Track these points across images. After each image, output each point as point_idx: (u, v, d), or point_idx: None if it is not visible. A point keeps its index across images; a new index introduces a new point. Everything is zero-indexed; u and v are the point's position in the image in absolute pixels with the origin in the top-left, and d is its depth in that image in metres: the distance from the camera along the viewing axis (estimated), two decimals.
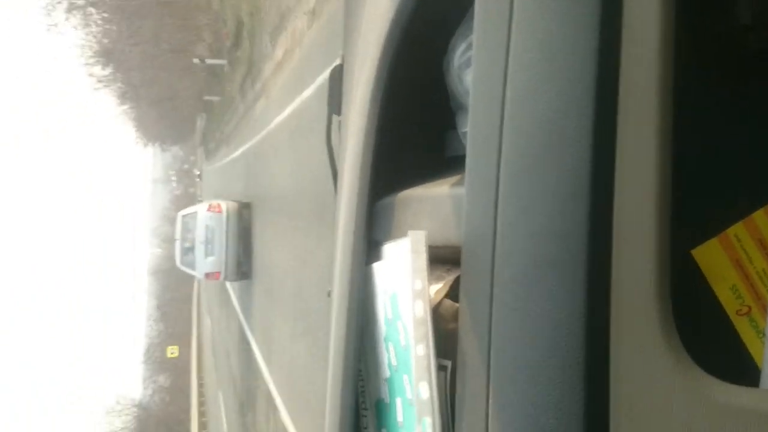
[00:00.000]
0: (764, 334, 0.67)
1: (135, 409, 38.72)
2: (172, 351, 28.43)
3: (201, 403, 26.65)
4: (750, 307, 0.68)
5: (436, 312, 0.82)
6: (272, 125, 11.72)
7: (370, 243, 1.02)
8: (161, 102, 32.49)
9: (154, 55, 26.95)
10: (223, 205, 13.22)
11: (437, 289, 0.83)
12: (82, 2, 25.88)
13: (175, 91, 30.58)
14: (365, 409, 1.01)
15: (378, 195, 1.02)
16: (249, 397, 13.31)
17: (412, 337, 0.80)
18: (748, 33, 0.74)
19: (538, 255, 0.62)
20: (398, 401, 0.87)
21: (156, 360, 39.61)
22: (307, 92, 8.66)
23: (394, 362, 0.88)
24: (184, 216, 14.70)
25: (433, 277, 0.83)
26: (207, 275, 13.38)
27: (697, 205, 0.67)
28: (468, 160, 0.73)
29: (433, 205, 0.88)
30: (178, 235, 14.75)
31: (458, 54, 0.91)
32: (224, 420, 18.60)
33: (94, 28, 27.85)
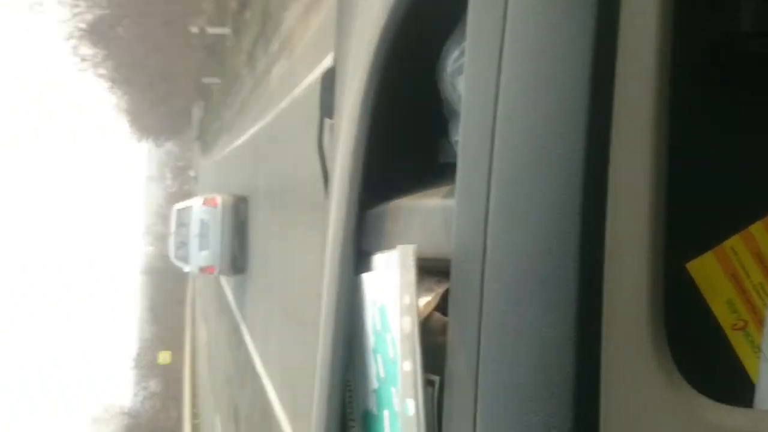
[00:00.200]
0: (760, 350, 0.67)
1: (124, 418, 37.89)
2: (164, 357, 27.27)
3: (194, 415, 25.91)
4: (746, 322, 0.68)
5: (425, 325, 0.81)
6: (295, 93, 9.88)
7: (360, 252, 1.01)
8: (155, 86, 30.23)
9: (146, 32, 25.36)
10: (219, 198, 13.20)
11: (426, 301, 0.82)
12: None
13: (170, 73, 28.36)
14: (352, 420, 1.00)
15: (369, 202, 1.01)
16: (247, 409, 12.94)
17: (399, 352, 0.78)
18: (749, 39, 0.73)
19: (528, 270, 0.61)
20: (386, 413, 0.86)
21: (147, 365, 38.88)
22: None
23: (382, 374, 0.87)
24: (179, 209, 14.68)
25: (422, 289, 0.82)
26: (201, 269, 13.36)
27: (692, 218, 0.66)
28: (458, 171, 0.72)
29: (423, 217, 0.86)
30: (172, 228, 14.74)
31: (451, 60, 0.89)
32: None
33: (81, 4, 26.56)
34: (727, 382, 0.62)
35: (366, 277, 0.94)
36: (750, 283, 0.67)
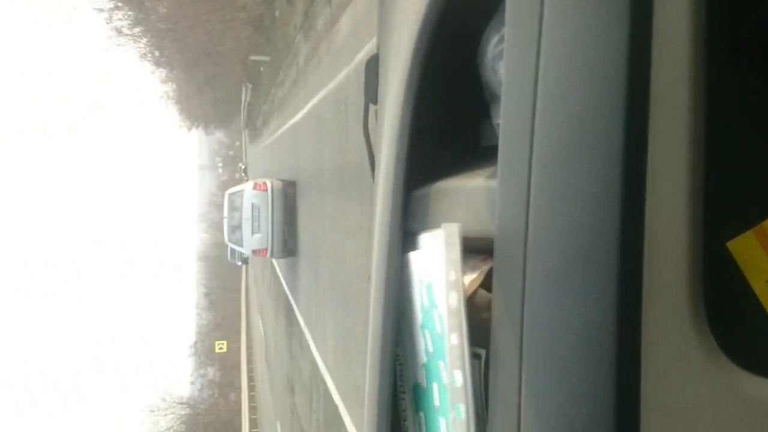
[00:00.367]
0: None
1: (181, 407, 37.08)
2: (221, 346, 27.52)
3: (252, 408, 25.38)
4: None
5: (471, 302, 0.83)
6: (341, 76, 9.28)
7: (406, 232, 1.03)
8: (201, 67, 28.46)
9: (190, 14, 23.76)
10: (269, 183, 13.36)
11: (472, 278, 0.85)
12: None
13: (216, 52, 26.21)
14: (403, 392, 1.04)
15: (414, 185, 1.04)
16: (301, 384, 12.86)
17: (446, 326, 0.81)
18: None
19: (570, 248, 0.63)
20: (435, 386, 0.90)
21: (204, 351, 38.35)
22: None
23: (430, 349, 0.90)
24: (231, 194, 14.93)
25: (467, 267, 0.84)
26: (254, 252, 13.58)
27: (732, 197, 0.66)
28: (500, 153, 0.74)
29: (467, 197, 0.89)
30: (225, 213, 15.01)
31: (492, 45, 0.91)
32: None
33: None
34: (766, 357, 0.62)
35: (413, 256, 0.98)
36: None
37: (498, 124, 0.80)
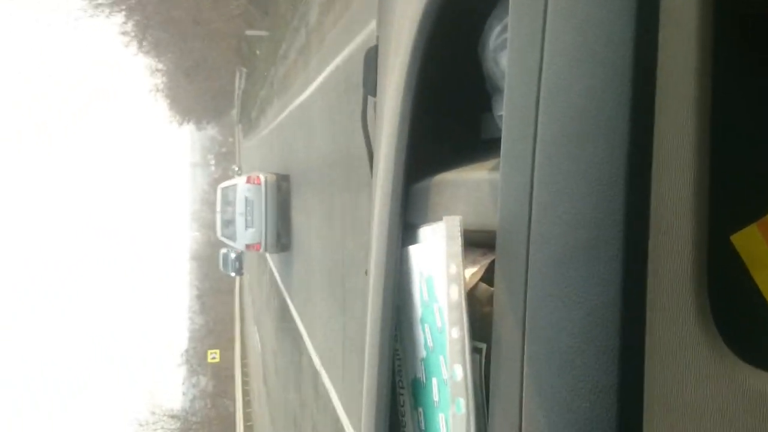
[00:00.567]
0: None
1: (172, 421, 35.41)
2: (213, 355, 25.85)
3: (247, 416, 24.06)
4: None
5: (472, 295, 0.83)
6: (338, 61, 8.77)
7: (405, 225, 1.03)
8: (190, 45, 26.48)
9: None
10: (262, 176, 13.34)
11: (472, 272, 0.84)
12: None
13: (207, 35, 24.44)
14: (402, 387, 1.03)
15: (414, 177, 1.03)
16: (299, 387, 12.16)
17: (447, 320, 0.81)
18: None
19: (574, 240, 0.62)
20: (434, 381, 0.89)
21: (196, 358, 36.93)
22: None
23: (430, 343, 0.90)
24: (224, 188, 14.91)
25: (468, 261, 0.84)
26: (247, 246, 13.58)
27: (736, 190, 0.66)
28: (503, 145, 0.74)
29: (468, 189, 0.88)
30: (218, 207, 14.98)
31: (494, 36, 0.90)
32: None
33: None
34: None
35: (412, 249, 0.97)
36: None
37: (500, 116, 0.80)
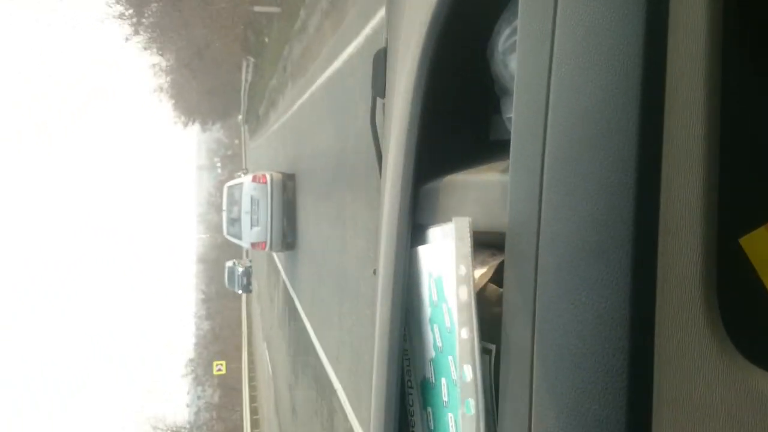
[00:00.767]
0: None
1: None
2: (219, 367, 24.38)
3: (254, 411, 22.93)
4: None
5: (481, 296, 0.83)
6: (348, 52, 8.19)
7: (414, 226, 1.03)
8: (192, 30, 24.47)
9: None
10: (268, 175, 13.35)
11: (482, 273, 0.85)
12: None
13: (210, 18, 22.51)
14: (411, 387, 1.04)
15: (422, 178, 1.04)
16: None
17: (456, 321, 0.81)
18: None
19: (583, 242, 0.62)
20: (443, 381, 0.89)
21: (202, 365, 36.32)
22: None
23: (439, 343, 0.90)
24: (230, 187, 14.91)
25: (477, 262, 0.84)
26: (253, 245, 13.58)
27: (745, 193, 0.66)
28: (512, 147, 0.74)
29: (477, 191, 0.88)
30: (224, 206, 14.98)
31: (503, 38, 0.91)
32: None
33: None
34: None
35: (421, 250, 0.97)
36: None
37: (509, 118, 0.80)
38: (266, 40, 21.11)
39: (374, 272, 1.21)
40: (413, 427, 1.03)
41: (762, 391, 0.53)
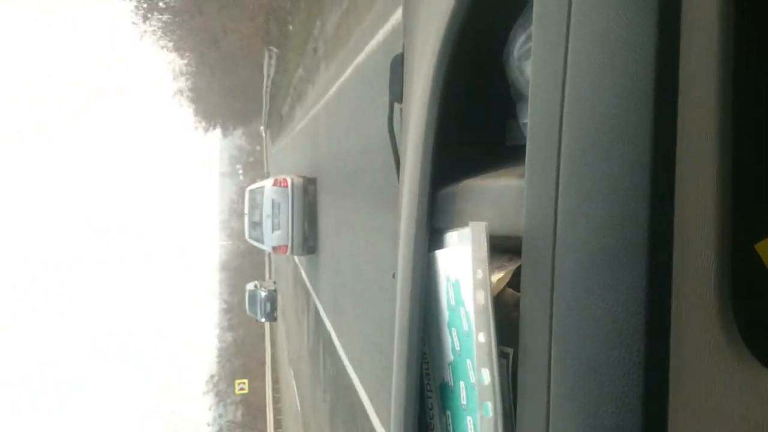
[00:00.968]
0: None
1: None
2: (241, 386, 22.29)
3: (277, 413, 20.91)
4: None
5: (498, 300, 0.84)
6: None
7: (432, 230, 1.04)
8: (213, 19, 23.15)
9: None
10: (289, 179, 13.41)
11: (499, 277, 0.85)
12: None
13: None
14: (430, 390, 1.04)
15: (440, 183, 1.04)
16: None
17: (474, 325, 0.82)
18: None
19: (599, 247, 0.63)
20: (462, 385, 0.90)
21: (224, 377, 35.28)
22: None
23: (457, 347, 0.91)
24: (251, 190, 15.01)
25: (494, 266, 0.85)
26: (274, 249, 13.64)
27: (760, 198, 0.66)
28: (528, 152, 0.74)
29: (493, 196, 0.89)
30: (246, 209, 15.07)
31: (518, 45, 0.91)
32: None
33: None
34: None
35: (439, 254, 0.98)
36: None
37: (525, 123, 0.81)
38: (290, 28, 19.02)
39: (393, 276, 1.22)
40: (432, 429, 1.03)
41: None
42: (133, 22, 26.80)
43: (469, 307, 0.84)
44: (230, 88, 31.77)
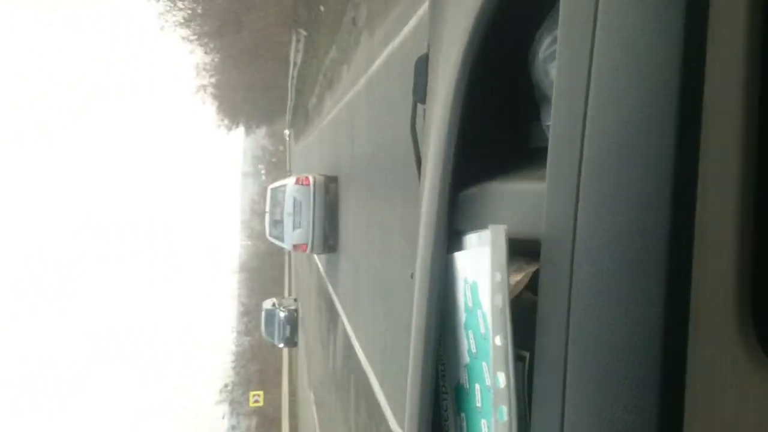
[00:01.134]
0: None
1: None
2: (256, 398, 21.30)
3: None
4: None
5: (516, 303, 0.83)
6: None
7: (451, 232, 1.04)
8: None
9: None
10: (311, 177, 13.49)
11: (517, 280, 0.85)
12: None
13: None
14: (445, 392, 1.04)
15: (461, 185, 1.04)
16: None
17: (491, 327, 0.82)
18: None
19: (618, 252, 0.62)
20: (477, 387, 0.90)
21: (239, 383, 35.04)
22: None
23: (473, 349, 0.91)
24: (273, 189, 15.12)
25: (512, 269, 0.84)
26: (295, 247, 13.74)
27: None
28: (550, 156, 0.74)
29: (514, 199, 0.89)
30: (267, 207, 15.19)
31: (544, 46, 0.91)
32: None
33: None
34: None
35: (458, 256, 0.98)
36: None
37: (548, 125, 0.80)
38: (321, 8, 17.66)
39: (411, 276, 1.22)
40: (447, 431, 1.03)
41: None
42: (159, 13, 26.75)
43: (486, 309, 0.84)
44: (254, 84, 31.41)
